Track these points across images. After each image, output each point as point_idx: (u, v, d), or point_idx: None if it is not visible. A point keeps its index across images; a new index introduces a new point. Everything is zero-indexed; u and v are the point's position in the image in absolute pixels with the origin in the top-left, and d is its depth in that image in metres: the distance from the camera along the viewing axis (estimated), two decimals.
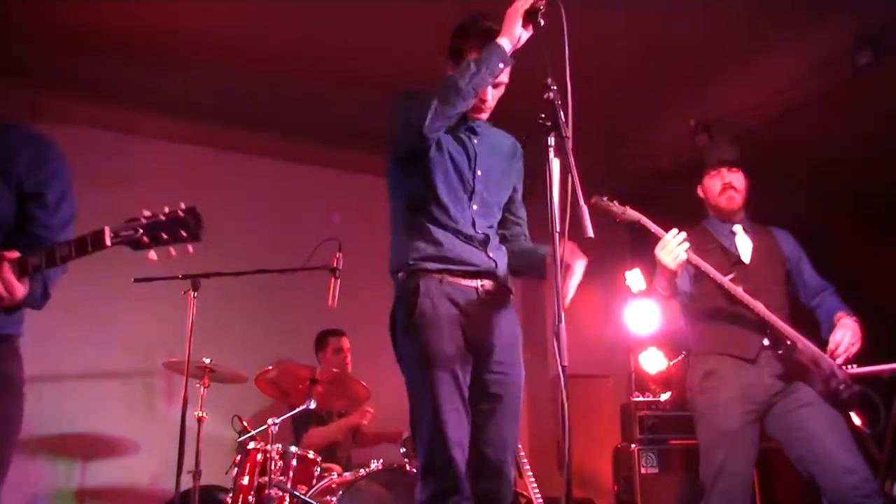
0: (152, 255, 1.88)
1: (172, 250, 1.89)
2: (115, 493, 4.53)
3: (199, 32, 4.46)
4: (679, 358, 5.06)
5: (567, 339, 1.94)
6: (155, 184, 4.88)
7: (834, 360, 2.91)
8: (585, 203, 1.97)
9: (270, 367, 3.85)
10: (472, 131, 2.53)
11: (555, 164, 2.07)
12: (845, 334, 2.94)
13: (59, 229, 2.03)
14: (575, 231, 1.99)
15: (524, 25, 2.26)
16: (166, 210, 1.89)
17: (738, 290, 2.85)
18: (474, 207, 2.42)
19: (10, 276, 1.81)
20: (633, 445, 4.48)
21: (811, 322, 3.16)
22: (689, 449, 4.44)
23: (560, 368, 1.96)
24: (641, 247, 6.00)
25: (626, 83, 4.91)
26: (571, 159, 2.03)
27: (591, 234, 1.95)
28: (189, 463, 3.53)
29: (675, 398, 4.80)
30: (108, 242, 1.85)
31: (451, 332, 2.27)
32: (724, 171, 3.13)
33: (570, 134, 2.07)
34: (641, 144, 5.73)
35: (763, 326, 2.89)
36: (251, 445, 3.61)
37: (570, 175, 2.00)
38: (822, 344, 2.97)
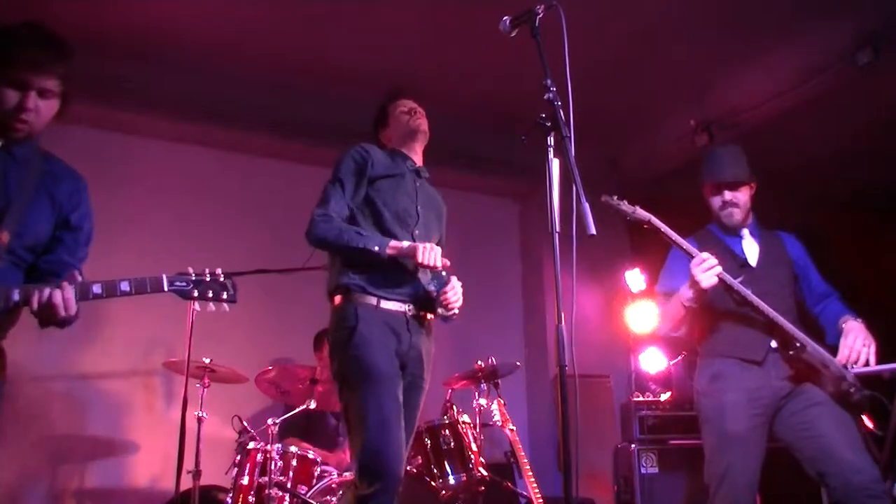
0: (196, 306, 2.27)
1: (212, 306, 2.26)
2: (115, 493, 4.52)
3: (199, 33, 4.46)
4: (679, 358, 5.06)
5: (567, 339, 1.95)
6: (155, 184, 4.90)
7: (846, 364, 2.88)
8: (591, 202, 1.97)
9: (270, 367, 3.85)
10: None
11: (555, 164, 2.07)
12: (857, 338, 2.90)
13: (82, 260, 2.26)
14: (578, 229, 1.99)
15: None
16: (208, 271, 2.26)
17: (749, 294, 2.83)
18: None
19: (72, 297, 2.03)
20: (633, 445, 4.48)
21: (818, 327, 3.14)
22: (689, 449, 4.45)
23: (560, 368, 1.96)
24: (641, 247, 6.03)
25: (626, 83, 4.91)
26: (572, 158, 2.04)
27: (593, 231, 1.96)
28: (189, 463, 3.53)
29: (675, 398, 4.80)
30: (165, 288, 2.19)
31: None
32: (725, 191, 3.09)
33: (570, 133, 2.07)
34: (641, 144, 5.73)
35: (771, 329, 2.87)
36: (251, 445, 3.61)
37: (572, 173, 2.00)
38: (830, 351, 2.94)
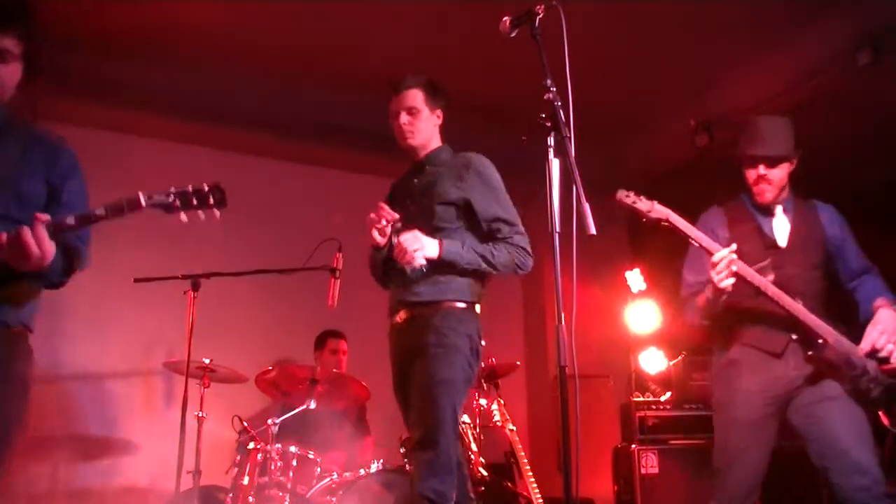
0: (183, 217, 1.99)
1: (202, 214, 1.99)
2: (115, 493, 4.52)
3: (199, 32, 4.47)
4: (679, 358, 5.06)
5: (567, 339, 1.95)
6: (155, 184, 4.87)
7: (869, 355, 2.78)
8: (592, 201, 1.96)
9: (270, 367, 3.85)
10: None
11: (555, 164, 2.08)
12: (883, 332, 2.79)
13: (83, 239, 2.14)
14: (578, 229, 1.99)
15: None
16: (191, 185, 2.00)
17: (775, 290, 2.72)
18: None
19: (44, 234, 1.88)
20: (633, 445, 4.47)
21: (849, 306, 3.00)
22: (689, 449, 4.45)
23: (560, 368, 1.96)
24: (641, 247, 6.02)
25: (626, 83, 4.91)
26: (572, 158, 2.04)
27: (593, 231, 1.96)
28: (189, 463, 3.53)
29: (675, 398, 4.80)
30: (143, 203, 1.95)
31: None
32: (760, 165, 2.92)
33: (570, 134, 2.08)
34: (641, 144, 5.73)
35: (793, 323, 2.76)
36: (251, 445, 3.61)
37: (572, 173, 2.00)
38: (861, 328, 2.82)
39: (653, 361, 5.42)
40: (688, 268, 3.05)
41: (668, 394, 4.93)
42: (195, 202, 1.98)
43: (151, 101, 4.76)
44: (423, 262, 2.56)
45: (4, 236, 1.86)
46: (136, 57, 4.55)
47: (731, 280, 2.67)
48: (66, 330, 4.34)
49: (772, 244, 2.93)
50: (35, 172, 2.07)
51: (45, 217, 1.92)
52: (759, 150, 2.93)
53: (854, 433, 2.70)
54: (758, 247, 2.87)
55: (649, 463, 4.42)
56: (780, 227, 2.98)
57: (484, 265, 2.67)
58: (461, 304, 2.67)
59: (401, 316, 2.73)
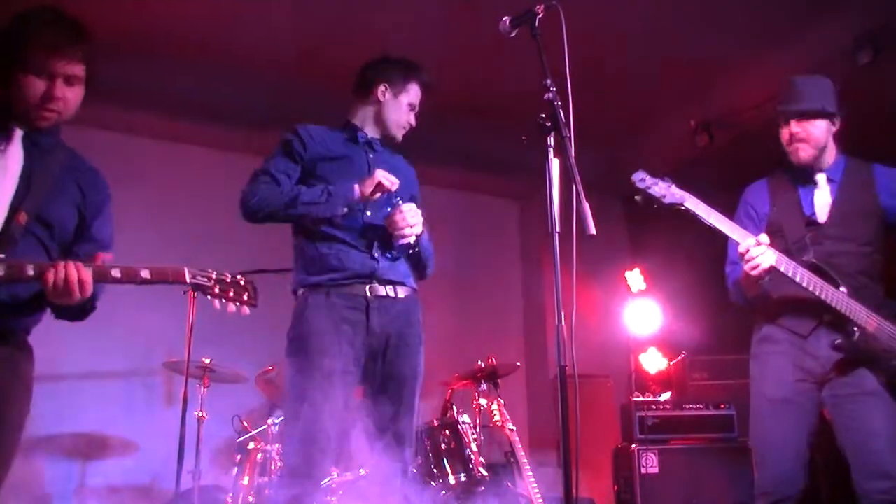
0: (217, 304, 2.16)
1: (232, 307, 2.17)
2: (115, 493, 4.53)
3: (199, 32, 4.46)
4: (679, 358, 5.07)
5: (567, 339, 1.95)
6: (155, 184, 4.90)
7: None
8: (591, 202, 1.96)
9: (270, 367, 3.85)
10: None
11: (555, 164, 2.08)
12: None
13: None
14: (578, 229, 2.00)
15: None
16: (228, 273, 2.19)
17: (805, 274, 2.58)
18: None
19: (89, 278, 1.94)
20: (633, 445, 4.48)
21: None
22: (689, 449, 4.46)
23: (560, 368, 1.96)
24: (641, 247, 6.03)
25: (626, 83, 4.91)
26: (572, 158, 2.04)
27: (593, 231, 1.96)
28: (189, 463, 3.53)
29: (675, 398, 4.81)
30: (187, 280, 2.09)
31: None
32: (792, 122, 2.75)
33: (570, 134, 2.08)
34: (641, 144, 5.73)
35: (825, 307, 2.61)
36: (251, 445, 3.62)
37: (572, 173, 2.01)
38: None
39: (653, 361, 5.43)
40: (731, 243, 2.86)
41: (668, 394, 4.94)
42: (231, 294, 2.15)
43: (151, 101, 4.77)
44: (414, 239, 2.54)
45: (51, 276, 1.90)
46: (136, 56, 4.54)
47: (763, 269, 2.55)
48: (66, 330, 4.33)
49: (810, 221, 2.77)
50: (69, 200, 2.13)
51: (97, 262, 1.99)
52: (789, 105, 2.78)
53: (886, 436, 2.61)
54: (797, 222, 2.75)
55: (649, 463, 4.42)
56: (821, 200, 2.80)
57: (430, 260, 2.76)
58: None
59: (381, 290, 2.60)
